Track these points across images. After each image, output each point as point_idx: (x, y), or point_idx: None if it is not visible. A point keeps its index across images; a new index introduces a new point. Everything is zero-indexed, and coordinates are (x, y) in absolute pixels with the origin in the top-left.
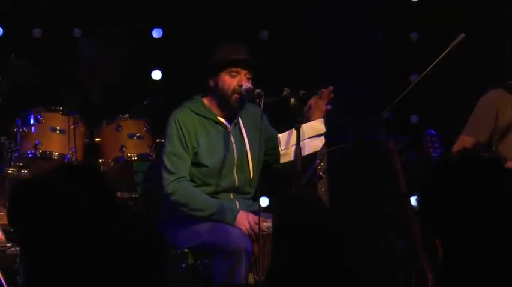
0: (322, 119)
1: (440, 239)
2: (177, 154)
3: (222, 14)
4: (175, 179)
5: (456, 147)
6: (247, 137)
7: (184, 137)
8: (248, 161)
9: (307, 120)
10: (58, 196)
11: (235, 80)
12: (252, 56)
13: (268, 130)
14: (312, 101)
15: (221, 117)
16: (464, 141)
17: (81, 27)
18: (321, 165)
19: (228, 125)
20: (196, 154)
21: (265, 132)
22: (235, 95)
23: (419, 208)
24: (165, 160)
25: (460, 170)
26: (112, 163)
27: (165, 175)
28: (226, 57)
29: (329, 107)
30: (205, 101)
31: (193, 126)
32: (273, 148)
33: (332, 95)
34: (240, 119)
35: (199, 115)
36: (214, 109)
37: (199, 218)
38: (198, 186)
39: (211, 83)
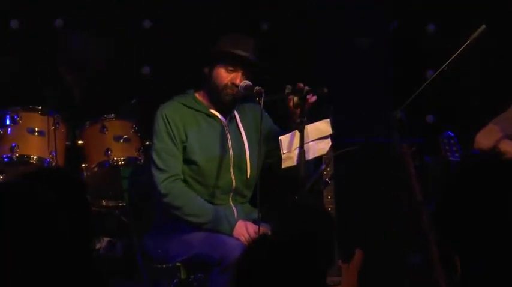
0: (328, 120)
1: (459, 253)
2: (167, 150)
3: (219, 4)
4: (167, 178)
5: (481, 136)
6: (246, 134)
7: (172, 131)
8: (246, 160)
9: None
10: (27, 206)
11: (229, 76)
12: (257, 58)
13: (271, 129)
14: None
15: (215, 111)
16: (492, 131)
17: (63, 17)
18: (327, 170)
19: (223, 119)
20: (185, 148)
21: (269, 131)
22: (226, 91)
23: (435, 218)
24: (155, 157)
25: (481, 177)
26: (96, 168)
27: (156, 173)
28: (228, 50)
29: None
30: (197, 95)
31: (182, 119)
32: (278, 149)
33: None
34: (236, 114)
35: (190, 108)
36: (207, 103)
37: (192, 225)
38: (190, 186)
39: (206, 70)
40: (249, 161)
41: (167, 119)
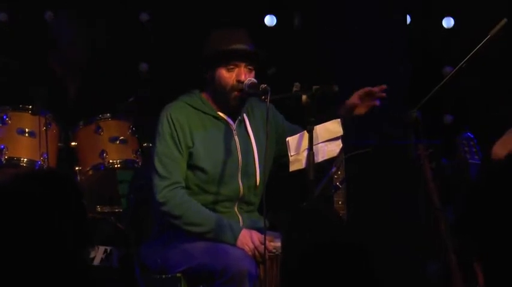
0: (339, 120)
1: (480, 262)
2: (170, 155)
3: None
4: (167, 186)
5: (498, 147)
6: (255, 136)
7: (177, 135)
8: (255, 166)
9: (349, 121)
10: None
11: (233, 75)
12: (254, 44)
13: (283, 126)
14: (355, 99)
15: (222, 113)
16: (508, 141)
17: (54, 9)
18: (338, 174)
19: (231, 122)
20: (191, 154)
21: (281, 128)
22: (235, 93)
23: (455, 225)
24: (156, 162)
25: (505, 181)
26: (91, 171)
27: (155, 180)
28: (219, 49)
29: (377, 102)
30: (204, 95)
31: (188, 122)
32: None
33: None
34: (245, 115)
35: (197, 109)
36: (214, 105)
37: (193, 235)
38: (194, 194)
39: (208, 77)
40: (258, 167)
41: (172, 121)
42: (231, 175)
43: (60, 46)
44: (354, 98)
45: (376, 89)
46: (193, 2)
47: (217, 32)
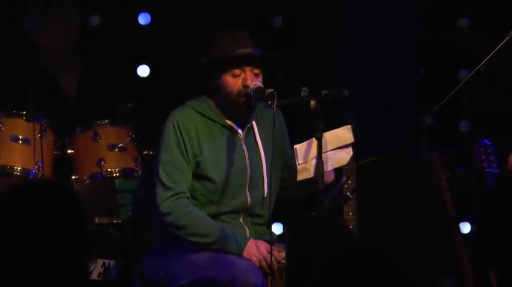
0: (349, 126)
1: (499, 277)
2: (175, 164)
3: None
4: (172, 196)
5: None
6: (263, 145)
7: (184, 143)
8: (263, 176)
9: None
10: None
11: (239, 80)
12: (258, 46)
13: (284, 141)
14: None
15: (230, 121)
16: None
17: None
18: (348, 183)
19: (239, 130)
20: (198, 164)
21: (281, 142)
22: (242, 99)
23: (473, 236)
24: (160, 171)
25: None
26: (88, 181)
27: (159, 190)
28: (224, 54)
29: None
30: (212, 102)
31: (196, 129)
32: (291, 165)
33: None
34: (254, 123)
35: (204, 116)
36: (221, 112)
37: (198, 246)
38: (200, 205)
39: (213, 84)
40: (266, 178)
41: (179, 128)
42: (238, 186)
43: (31, 36)
44: None
45: None
46: (195, 1)
47: (218, 35)
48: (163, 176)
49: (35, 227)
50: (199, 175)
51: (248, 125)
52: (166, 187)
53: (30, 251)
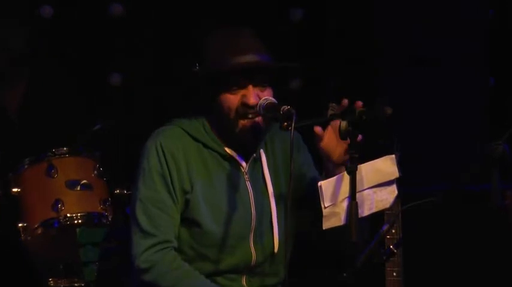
0: (393, 156)
1: None
2: (158, 202)
3: None
4: (153, 246)
5: None
6: (273, 183)
7: (170, 173)
8: (272, 223)
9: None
10: None
11: (237, 97)
12: (267, 53)
13: (306, 172)
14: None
15: (231, 149)
16: None
17: None
18: (392, 233)
19: (242, 162)
20: (187, 203)
21: (300, 176)
22: (242, 121)
23: None
24: (138, 212)
25: None
26: (40, 230)
27: (136, 238)
28: (211, 66)
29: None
30: (207, 123)
31: (186, 156)
32: (313, 199)
33: None
34: (262, 152)
35: (198, 141)
36: (219, 138)
37: None
38: (189, 261)
39: (207, 100)
40: (276, 227)
41: (163, 154)
42: (240, 237)
43: None
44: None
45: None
46: None
47: (211, 37)
48: (141, 219)
49: None
50: (187, 220)
51: (254, 155)
52: (145, 234)
53: None
